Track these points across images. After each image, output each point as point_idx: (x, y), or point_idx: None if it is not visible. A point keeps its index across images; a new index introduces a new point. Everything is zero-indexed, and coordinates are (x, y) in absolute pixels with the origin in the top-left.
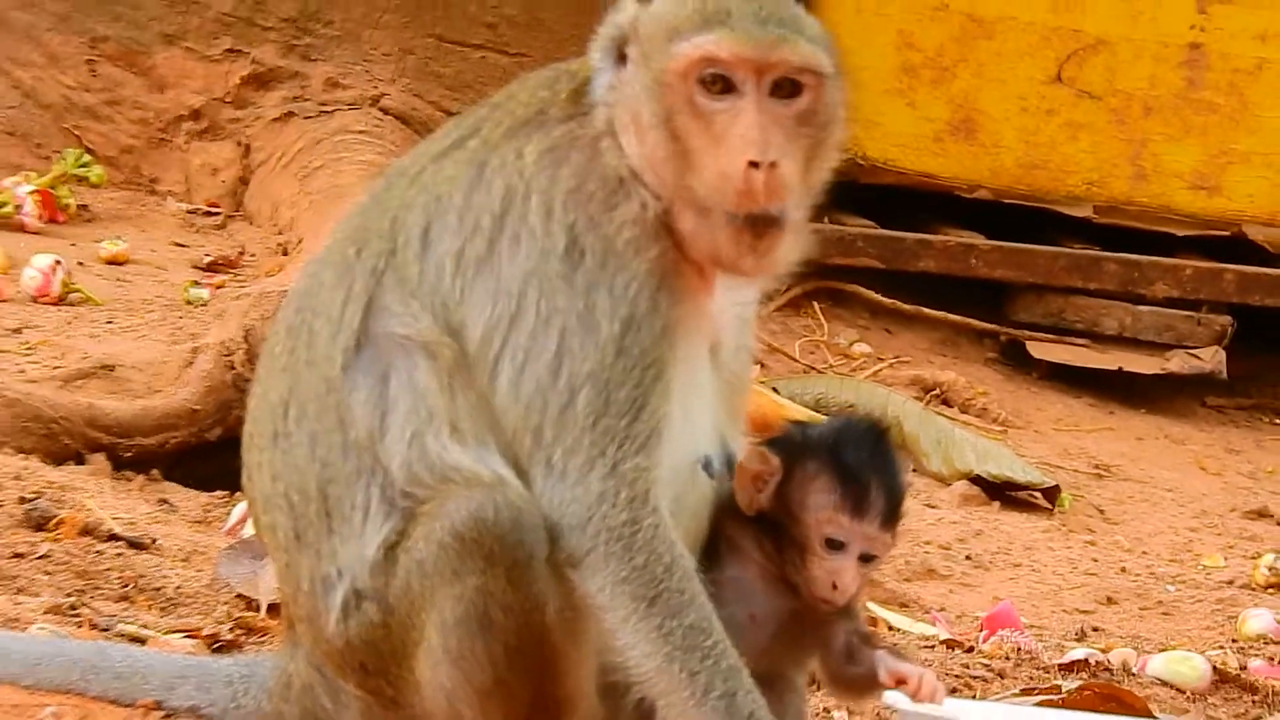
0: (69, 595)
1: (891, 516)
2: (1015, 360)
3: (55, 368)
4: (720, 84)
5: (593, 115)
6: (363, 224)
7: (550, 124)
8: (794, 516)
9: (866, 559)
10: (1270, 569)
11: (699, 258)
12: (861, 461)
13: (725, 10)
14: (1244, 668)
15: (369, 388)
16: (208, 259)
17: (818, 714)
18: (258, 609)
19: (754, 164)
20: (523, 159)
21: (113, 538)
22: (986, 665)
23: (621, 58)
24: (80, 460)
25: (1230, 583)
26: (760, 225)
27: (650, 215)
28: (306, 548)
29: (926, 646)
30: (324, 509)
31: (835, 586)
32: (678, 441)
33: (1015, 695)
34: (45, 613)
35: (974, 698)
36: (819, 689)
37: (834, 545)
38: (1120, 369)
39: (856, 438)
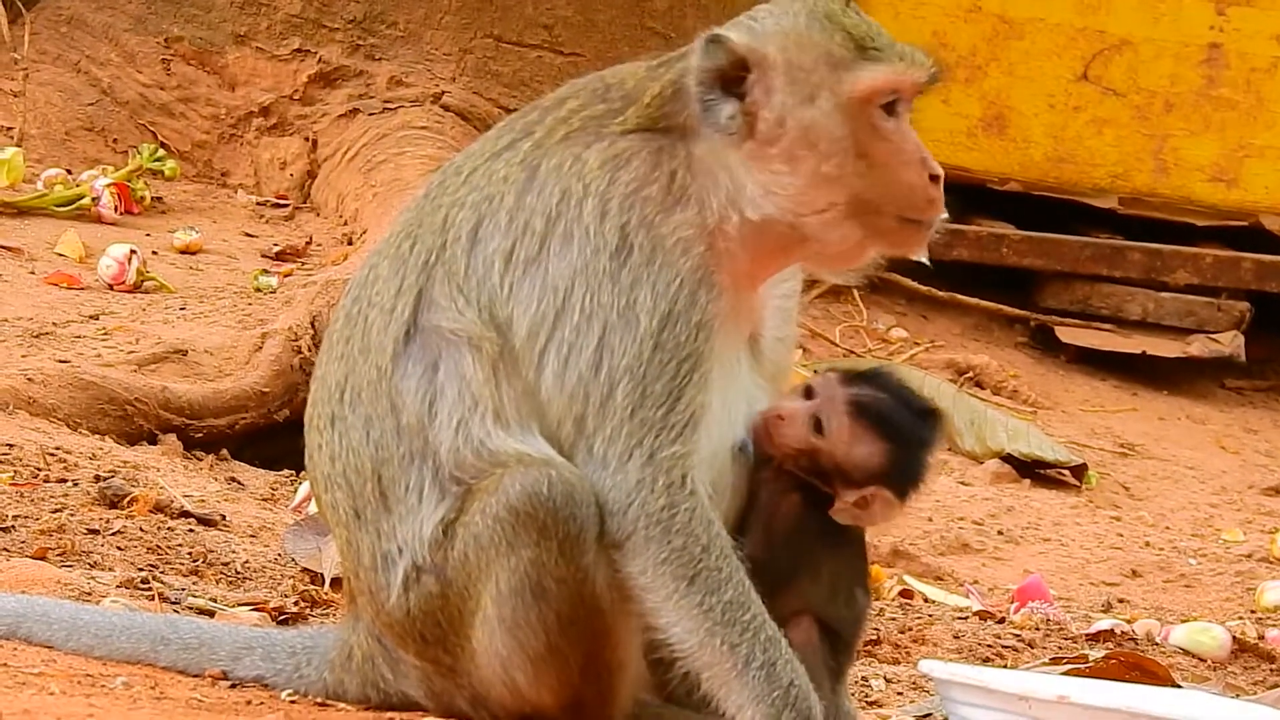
0: (141, 570)
1: (865, 419)
2: (1044, 344)
3: (130, 352)
4: (889, 107)
5: (660, 131)
6: (417, 218)
7: (613, 136)
8: None
9: (817, 424)
10: None
11: (835, 258)
12: (890, 383)
13: (877, 40)
14: (1262, 637)
15: (418, 376)
16: (276, 249)
17: (855, 682)
18: (322, 583)
19: (934, 178)
20: (582, 163)
21: (183, 515)
22: (1017, 635)
23: (734, 85)
24: (153, 440)
25: (1249, 556)
26: (929, 227)
27: (706, 221)
28: (366, 525)
29: (960, 618)
30: (379, 489)
31: (778, 416)
32: (716, 428)
33: (1044, 664)
34: (118, 586)
35: (1005, 667)
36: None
37: (807, 393)
38: (1144, 353)
39: (903, 389)
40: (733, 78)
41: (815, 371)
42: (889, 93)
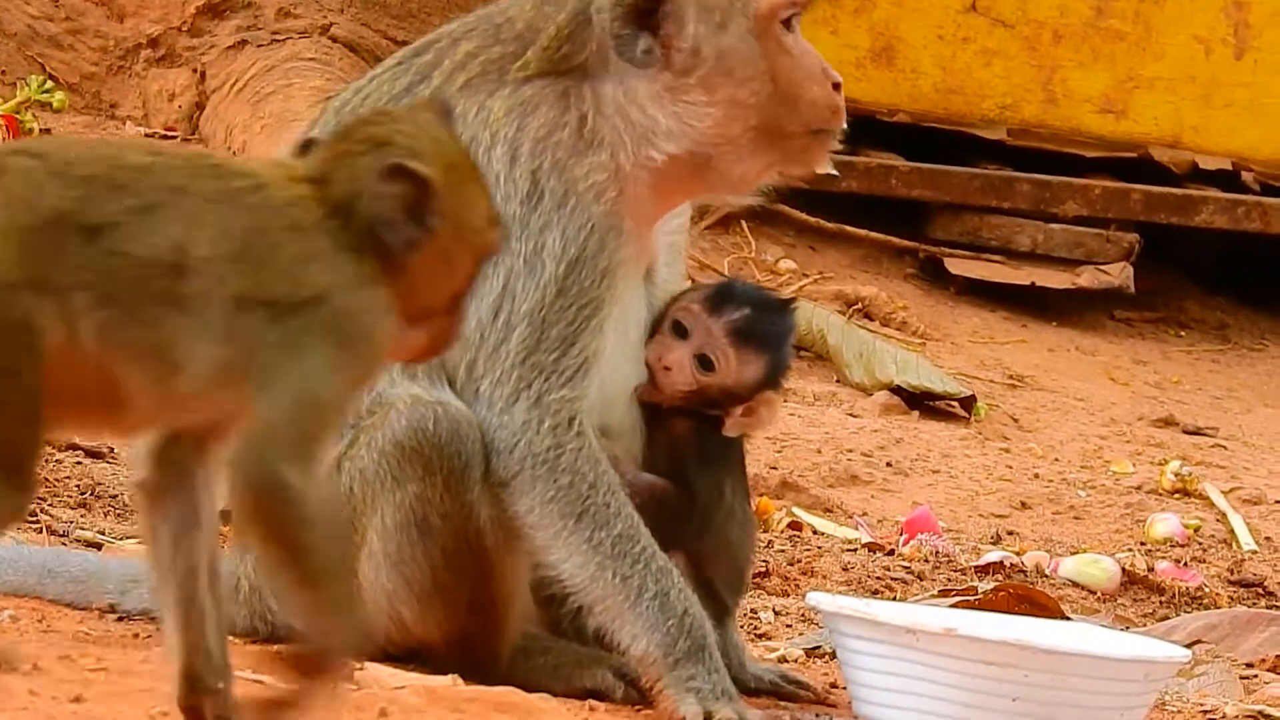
0: None
1: (747, 343)
2: (933, 276)
3: None
4: (787, 23)
5: (563, 74)
6: None
7: (515, 83)
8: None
9: (704, 362)
10: (1176, 475)
11: (737, 185)
12: (749, 294)
13: None
14: (1151, 569)
15: None
16: None
17: (744, 614)
18: None
19: (835, 86)
20: (488, 111)
21: (71, 447)
22: (906, 568)
23: (646, 19)
24: None
25: (1138, 488)
26: (834, 136)
27: (619, 164)
28: None
29: (849, 550)
30: None
31: (664, 367)
32: (613, 368)
33: (933, 596)
34: None
35: (894, 599)
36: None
37: (679, 331)
38: (1033, 284)
39: (760, 294)
40: (645, 10)
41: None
42: (789, 6)
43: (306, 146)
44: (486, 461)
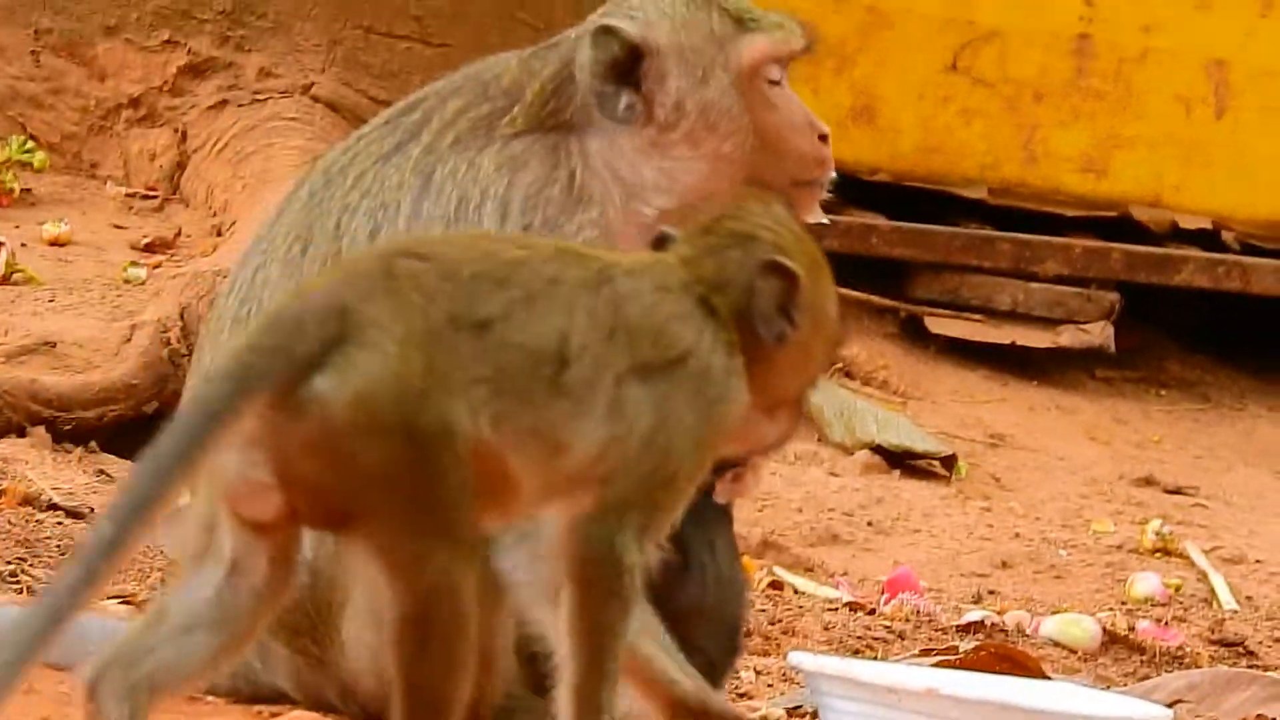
0: (9, 563)
1: None
2: (914, 335)
3: None
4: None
5: (551, 129)
6: (305, 221)
7: (504, 139)
8: None
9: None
10: (1157, 534)
11: None
12: None
13: (752, 12)
14: (1132, 629)
15: None
16: (145, 240)
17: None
18: None
19: (823, 137)
20: (477, 168)
21: (52, 507)
22: (887, 627)
23: (627, 75)
24: (21, 433)
25: (1119, 547)
26: (822, 187)
27: (609, 219)
28: None
29: (830, 609)
30: None
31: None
32: None
33: (915, 655)
34: None
35: (875, 658)
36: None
37: None
38: (1013, 343)
39: None
40: (626, 67)
41: None
42: (772, 61)
43: (661, 241)
44: None
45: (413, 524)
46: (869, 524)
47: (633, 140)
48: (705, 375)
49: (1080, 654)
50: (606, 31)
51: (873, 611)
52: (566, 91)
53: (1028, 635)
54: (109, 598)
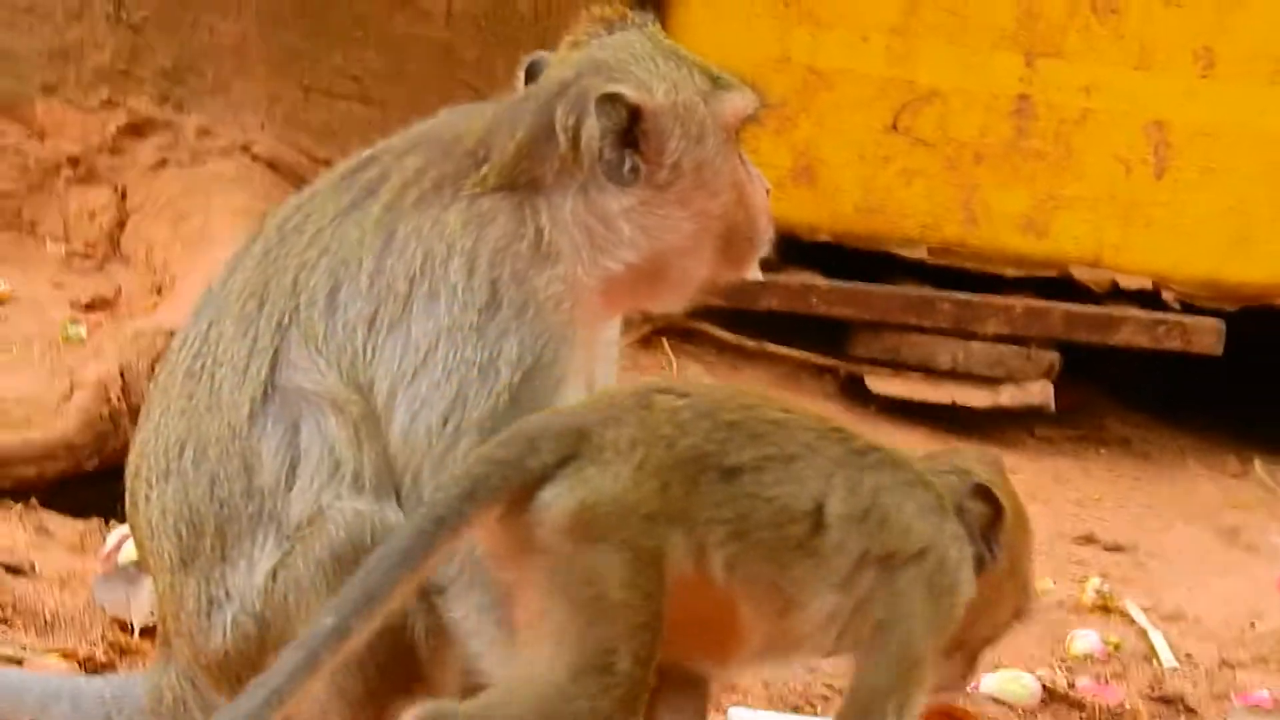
0: None
1: None
2: (854, 394)
3: None
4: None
5: (519, 188)
6: (260, 278)
7: (470, 196)
8: None
9: None
10: (1096, 591)
11: (683, 290)
12: None
13: (715, 69)
14: (1072, 685)
15: (279, 437)
16: (85, 299)
17: None
18: (131, 632)
19: (768, 191)
20: (443, 225)
21: None
22: (828, 685)
23: (629, 138)
24: None
25: (1059, 605)
26: (764, 244)
27: (576, 275)
28: (194, 571)
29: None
30: (220, 543)
31: None
32: None
33: None
34: None
35: (815, 714)
36: None
37: None
38: (953, 402)
39: None
40: (628, 130)
41: None
42: (745, 118)
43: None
44: None
45: (582, 636)
46: None
47: (619, 201)
48: (940, 567)
49: (1020, 711)
50: (612, 99)
51: (813, 669)
52: (542, 152)
53: (968, 693)
54: (48, 652)
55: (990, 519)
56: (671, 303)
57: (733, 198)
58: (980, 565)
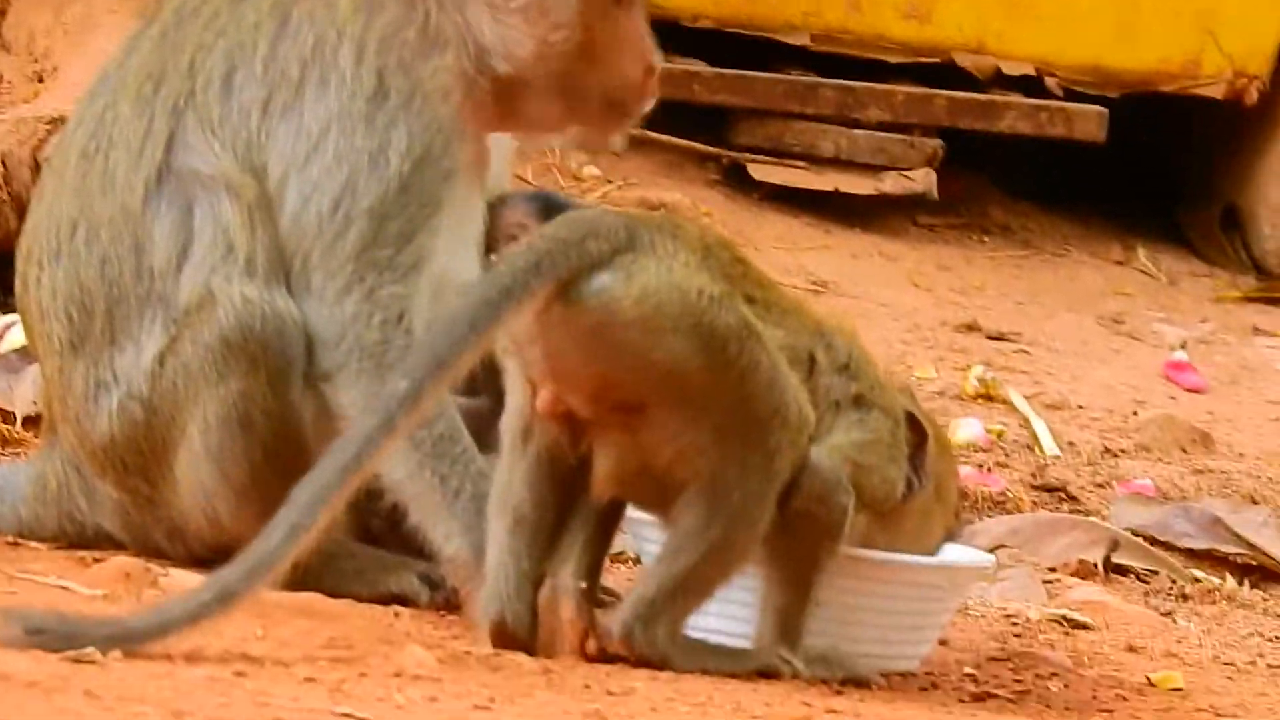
0: None
1: None
2: (737, 182)
3: None
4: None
5: None
6: (157, 60)
7: None
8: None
9: None
10: (979, 380)
11: (538, 124)
12: (573, 206)
13: None
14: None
15: (172, 218)
16: None
17: None
18: (13, 421)
19: (649, 70)
20: (334, 8)
21: None
22: None
23: None
24: None
25: (942, 393)
26: (632, 117)
27: (463, 67)
28: (83, 355)
29: None
30: (109, 325)
31: None
32: (448, 268)
33: None
34: None
35: None
36: None
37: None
38: (836, 190)
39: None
40: None
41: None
42: None
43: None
44: (311, 360)
45: (718, 427)
46: None
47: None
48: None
49: None
50: None
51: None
52: None
53: None
54: None
55: (916, 445)
56: (535, 137)
57: (579, 39)
58: (910, 489)
